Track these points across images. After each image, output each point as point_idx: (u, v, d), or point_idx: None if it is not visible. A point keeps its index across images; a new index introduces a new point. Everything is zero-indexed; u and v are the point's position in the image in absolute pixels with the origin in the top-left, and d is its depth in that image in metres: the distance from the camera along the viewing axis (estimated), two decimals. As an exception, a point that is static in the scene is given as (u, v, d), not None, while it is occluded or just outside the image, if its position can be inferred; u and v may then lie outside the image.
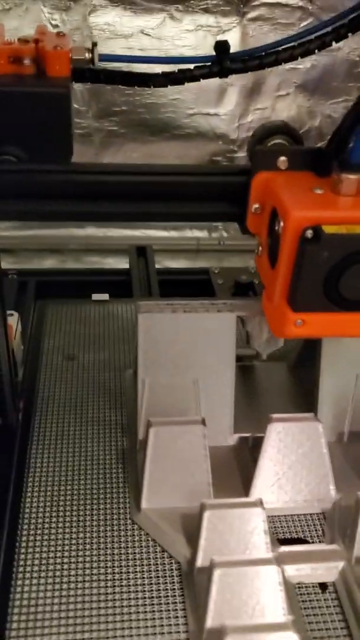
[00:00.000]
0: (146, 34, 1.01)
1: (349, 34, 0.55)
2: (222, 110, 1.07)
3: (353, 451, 0.51)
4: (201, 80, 0.57)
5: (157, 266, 1.00)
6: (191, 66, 0.56)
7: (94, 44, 0.55)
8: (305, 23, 1.02)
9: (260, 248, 0.44)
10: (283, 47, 0.55)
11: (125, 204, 0.51)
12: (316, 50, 0.56)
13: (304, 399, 0.54)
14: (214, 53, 0.55)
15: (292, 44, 0.55)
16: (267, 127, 0.49)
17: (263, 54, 0.56)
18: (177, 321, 0.49)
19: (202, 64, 0.56)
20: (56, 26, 1.00)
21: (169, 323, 0.49)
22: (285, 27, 1.02)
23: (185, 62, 0.57)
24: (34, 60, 0.50)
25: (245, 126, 1.09)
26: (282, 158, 0.44)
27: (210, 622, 0.38)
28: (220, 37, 1.02)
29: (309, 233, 0.38)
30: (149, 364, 0.49)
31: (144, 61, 0.63)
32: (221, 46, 0.56)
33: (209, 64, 0.56)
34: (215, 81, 1.12)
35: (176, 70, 0.56)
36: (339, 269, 0.38)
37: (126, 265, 0.86)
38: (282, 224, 0.39)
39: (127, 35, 1.00)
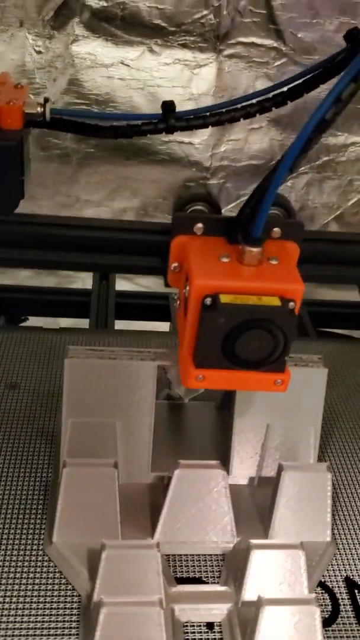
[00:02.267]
0: (126, 65, 1.05)
1: (288, 101, 0.58)
2: (197, 140, 1.11)
3: (260, 495, 0.55)
4: (147, 135, 0.61)
5: (123, 287, 1.04)
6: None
7: (46, 100, 0.58)
8: (278, 62, 1.05)
9: (178, 302, 0.48)
10: (226, 109, 0.59)
11: (64, 253, 0.55)
12: (257, 114, 0.59)
13: (224, 440, 0.58)
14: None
15: (235, 106, 0.59)
16: (190, 194, 0.52)
17: (207, 114, 0.59)
18: (102, 367, 0.53)
19: (150, 120, 0.60)
20: (39, 52, 1.03)
21: (94, 368, 0.53)
22: (260, 65, 1.06)
23: (135, 118, 0.60)
24: (-12, 112, 0.54)
25: (218, 155, 1.13)
26: (199, 224, 0.48)
27: (94, 655, 0.42)
28: (197, 72, 1.06)
29: (208, 300, 0.42)
30: (73, 405, 0.53)
31: (96, 116, 0.66)
32: (168, 105, 0.60)
33: (156, 120, 0.60)
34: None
35: (125, 125, 0.60)
36: (234, 333, 0.42)
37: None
38: (188, 288, 0.43)
39: (107, 64, 1.04)
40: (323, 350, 0.75)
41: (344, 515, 0.56)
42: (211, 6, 1.01)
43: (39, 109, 0.57)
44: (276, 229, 0.47)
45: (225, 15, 1.02)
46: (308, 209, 1.18)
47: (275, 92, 0.58)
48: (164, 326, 0.92)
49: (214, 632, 0.46)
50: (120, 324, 0.91)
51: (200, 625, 0.47)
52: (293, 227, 0.47)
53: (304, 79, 0.55)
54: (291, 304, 0.41)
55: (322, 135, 0.43)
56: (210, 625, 0.47)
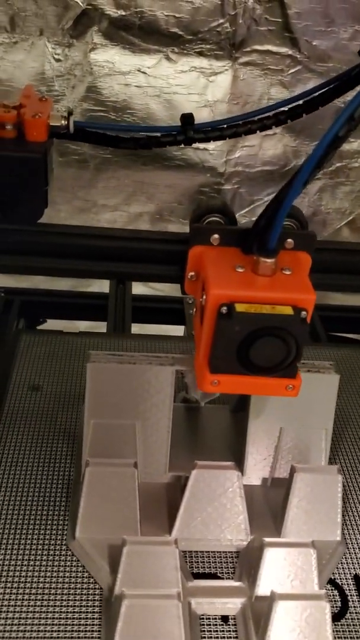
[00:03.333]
0: (143, 72, 1.07)
1: (303, 114, 0.60)
2: (212, 146, 1.13)
3: (273, 496, 0.57)
4: (167, 146, 0.63)
5: (139, 291, 1.06)
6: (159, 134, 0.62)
7: (70, 113, 0.60)
8: (293, 70, 1.07)
9: (195, 309, 0.50)
10: (243, 121, 0.61)
11: (83, 262, 0.58)
12: (272, 127, 0.61)
13: (238, 443, 0.60)
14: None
15: (251, 118, 0.61)
16: (207, 205, 0.55)
17: (225, 126, 0.61)
18: (122, 371, 0.55)
19: (169, 132, 0.62)
20: (59, 60, 1.06)
21: (115, 373, 0.55)
22: (275, 72, 1.07)
23: (154, 130, 0.63)
24: (16, 125, 0.56)
25: (232, 161, 1.15)
26: (215, 235, 0.50)
27: (116, 644, 0.45)
28: (213, 79, 1.08)
29: (224, 309, 0.44)
30: (95, 407, 0.56)
31: (117, 129, 0.69)
32: (187, 118, 0.62)
33: (175, 133, 0.62)
34: (206, 117, 1.18)
35: (145, 136, 0.62)
36: (248, 341, 0.44)
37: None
38: (205, 297, 0.45)
39: (125, 72, 1.06)
40: (335, 355, 0.77)
41: (354, 516, 0.58)
42: (227, 14, 1.03)
43: (63, 122, 0.59)
44: (289, 240, 0.49)
45: (241, 23, 1.04)
46: (321, 215, 1.20)
47: (292, 105, 0.60)
48: (178, 329, 0.94)
49: (229, 625, 0.49)
50: (135, 327, 0.93)
51: (215, 618, 0.49)
52: (305, 238, 0.49)
53: (319, 92, 0.57)
54: (303, 313, 0.43)
55: (336, 151, 0.45)
56: (225, 619, 0.49)
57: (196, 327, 0.49)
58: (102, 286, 1.10)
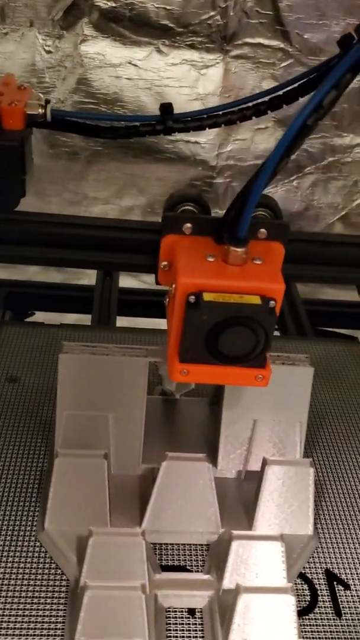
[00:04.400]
0: (134, 65, 1.06)
1: (284, 105, 0.60)
2: (203, 139, 1.13)
3: (246, 489, 0.57)
4: (146, 136, 0.62)
5: (128, 284, 1.05)
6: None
7: (47, 101, 0.60)
8: (285, 63, 1.07)
9: (167, 299, 0.50)
10: (223, 111, 0.61)
11: (61, 250, 0.57)
12: (253, 117, 0.61)
13: (214, 435, 0.60)
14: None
15: (231, 109, 0.61)
16: (180, 194, 0.54)
17: (205, 116, 0.61)
18: (95, 363, 0.55)
19: (148, 122, 0.62)
20: (49, 52, 1.05)
21: (88, 364, 0.55)
22: (266, 66, 1.07)
23: (134, 120, 0.62)
24: (-8, 113, 0.56)
25: (224, 155, 1.15)
26: (187, 225, 0.49)
27: (78, 635, 0.44)
28: (204, 72, 1.08)
29: (192, 298, 0.43)
30: (67, 398, 0.55)
31: (96, 118, 0.68)
32: (166, 107, 0.61)
33: (154, 122, 0.62)
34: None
35: (124, 126, 0.62)
36: (217, 330, 0.44)
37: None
38: (174, 285, 0.45)
39: (115, 64, 1.06)
40: (322, 350, 0.77)
41: (328, 510, 0.58)
42: (218, 7, 1.03)
43: (40, 110, 0.58)
44: (262, 230, 0.48)
45: (232, 16, 1.03)
46: (313, 209, 1.20)
47: (272, 95, 0.60)
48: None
49: (195, 618, 0.49)
50: (124, 321, 0.93)
51: (182, 611, 0.49)
52: (279, 228, 0.49)
53: (299, 83, 0.56)
54: (272, 302, 0.43)
55: (304, 140, 0.45)
56: (191, 612, 0.49)
57: (168, 317, 0.49)
58: (91, 279, 1.10)
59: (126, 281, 1.03)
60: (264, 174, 0.44)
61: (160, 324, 0.98)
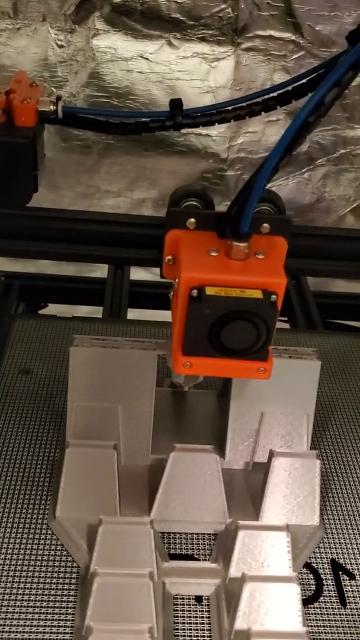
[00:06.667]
0: (145, 58, 1.07)
1: (293, 100, 0.60)
2: (214, 132, 1.13)
3: (254, 480, 0.58)
4: (155, 132, 0.63)
5: (140, 276, 1.06)
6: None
7: (59, 98, 0.61)
8: (296, 55, 1.06)
9: (172, 293, 0.51)
10: (232, 107, 0.61)
11: (68, 245, 0.58)
12: (261, 112, 0.61)
13: (222, 427, 0.61)
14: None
15: (240, 104, 0.61)
16: (185, 189, 0.55)
17: (214, 112, 0.61)
18: (105, 355, 0.56)
19: (157, 117, 0.62)
20: (61, 46, 1.06)
21: (98, 356, 0.56)
22: (278, 58, 1.07)
23: (143, 116, 0.63)
24: (5, 110, 0.56)
25: (235, 147, 1.15)
26: (191, 219, 0.50)
27: (88, 621, 0.46)
28: (215, 65, 1.08)
29: (195, 292, 0.44)
30: (78, 390, 0.56)
31: (106, 114, 0.69)
32: (175, 103, 0.62)
33: (163, 118, 0.62)
34: (208, 103, 1.17)
35: (134, 122, 0.62)
36: (219, 324, 0.44)
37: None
38: (177, 279, 0.46)
39: (127, 58, 1.07)
40: (331, 343, 0.77)
41: (335, 501, 0.58)
42: (229, 0, 1.03)
43: (52, 107, 0.59)
44: (265, 225, 0.48)
45: (243, 8, 1.03)
46: (325, 201, 1.20)
47: (280, 91, 0.60)
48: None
49: (202, 605, 0.50)
50: (135, 313, 0.94)
51: (189, 599, 0.50)
52: (282, 222, 0.49)
53: (307, 78, 0.57)
54: (273, 296, 0.43)
55: (306, 137, 0.45)
56: (199, 599, 0.50)
57: (172, 310, 0.50)
58: (103, 272, 1.11)
59: (138, 273, 1.03)
60: (266, 170, 0.44)
61: (169, 316, 0.99)
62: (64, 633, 0.47)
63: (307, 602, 0.50)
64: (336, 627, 0.49)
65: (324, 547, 0.54)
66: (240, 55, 1.06)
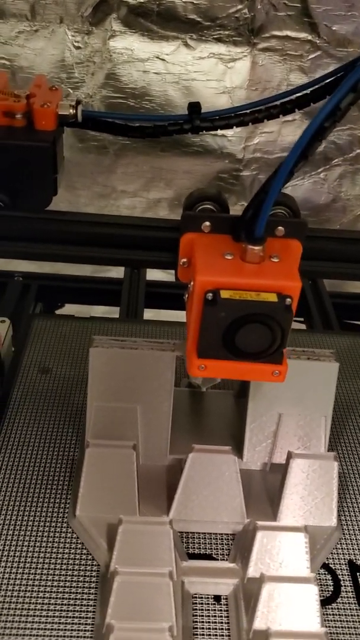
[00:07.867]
0: (161, 59, 1.07)
1: (311, 103, 0.60)
2: (230, 132, 1.13)
3: (271, 481, 0.58)
4: (173, 135, 0.63)
5: (156, 276, 1.07)
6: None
7: (78, 102, 0.61)
8: (313, 55, 1.06)
9: (187, 295, 0.51)
10: (250, 110, 0.61)
11: (86, 248, 0.59)
12: (280, 115, 0.61)
13: (239, 427, 0.61)
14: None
15: (259, 107, 0.61)
16: (200, 193, 0.55)
17: (232, 115, 0.62)
18: (124, 356, 0.56)
19: (176, 121, 0.63)
20: (78, 47, 1.07)
21: (117, 357, 0.56)
22: (294, 58, 1.07)
23: (162, 119, 0.63)
24: (25, 114, 0.57)
25: (251, 147, 1.15)
26: (206, 223, 0.50)
27: (109, 619, 0.46)
28: (231, 65, 1.08)
29: (210, 295, 0.44)
30: (97, 390, 0.57)
31: (125, 118, 0.69)
32: (193, 107, 0.62)
33: (182, 122, 0.63)
34: (224, 104, 1.18)
35: (152, 125, 0.63)
36: (234, 327, 0.45)
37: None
38: (192, 283, 0.46)
39: (143, 59, 1.07)
40: (346, 343, 0.77)
41: (352, 503, 0.59)
42: (245, 0, 1.03)
43: (72, 111, 0.60)
44: (280, 228, 0.49)
45: (259, 9, 1.03)
46: (341, 201, 1.20)
47: (298, 94, 0.60)
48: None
49: (221, 604, 0.50)
50: (151, 312, 0.94)
51: (208, 598, 0.50)
52: (296, 226, 0.49)
53: (326, 81, 0.57)
54: (288, 300, 0.44)
55: (322, 142, 0.45)
56: (217, 598, 0.51)
57: (187, 313, 0.50)
58: (120, 272, 1.12)
59: (154, 273, 1.04)
60: (281, 174, 0.44)
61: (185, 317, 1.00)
62: (85, 631, 0.48)
63: (325, 602, 0.50)
64: (354, 627, 0.49)
65: (342, 548, 0.55)
66: (256, 56, 1.06)
